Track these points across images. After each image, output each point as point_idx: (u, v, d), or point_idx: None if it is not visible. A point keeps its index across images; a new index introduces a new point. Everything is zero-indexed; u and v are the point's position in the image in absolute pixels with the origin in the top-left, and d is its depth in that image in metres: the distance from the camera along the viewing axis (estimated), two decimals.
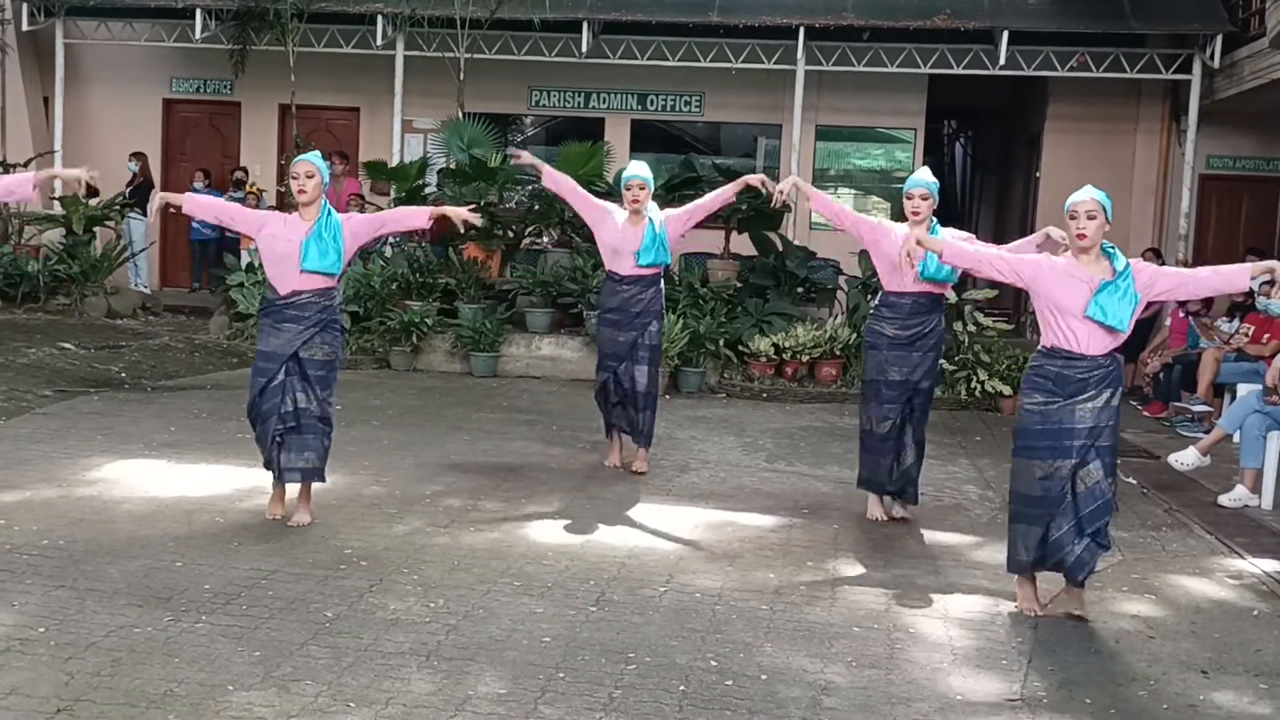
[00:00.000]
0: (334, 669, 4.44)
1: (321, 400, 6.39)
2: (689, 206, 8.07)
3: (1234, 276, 5.43)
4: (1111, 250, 5.31)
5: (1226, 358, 10.38)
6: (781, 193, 7.01)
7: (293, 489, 6.49)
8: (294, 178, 6.34)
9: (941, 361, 7.69)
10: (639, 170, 7.89)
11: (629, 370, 7.94)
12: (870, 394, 6.94)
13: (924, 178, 6.73)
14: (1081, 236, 5.24)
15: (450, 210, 6.81)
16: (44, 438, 8.05)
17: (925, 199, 6.61)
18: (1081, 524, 5.31)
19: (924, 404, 6.94)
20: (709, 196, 8.09)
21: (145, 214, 16.08)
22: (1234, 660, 5.11)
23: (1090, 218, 5.22)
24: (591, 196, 8.18)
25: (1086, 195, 5.29)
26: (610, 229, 7.87)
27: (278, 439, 6.33)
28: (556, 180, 8.14)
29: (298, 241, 6.23)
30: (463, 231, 7.02)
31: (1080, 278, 5.24)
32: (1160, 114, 15.82)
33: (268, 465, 6.47)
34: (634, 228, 7.77)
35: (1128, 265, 5.26)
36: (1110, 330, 5.24)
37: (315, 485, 6.53)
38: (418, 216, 6.93)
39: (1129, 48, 14.64)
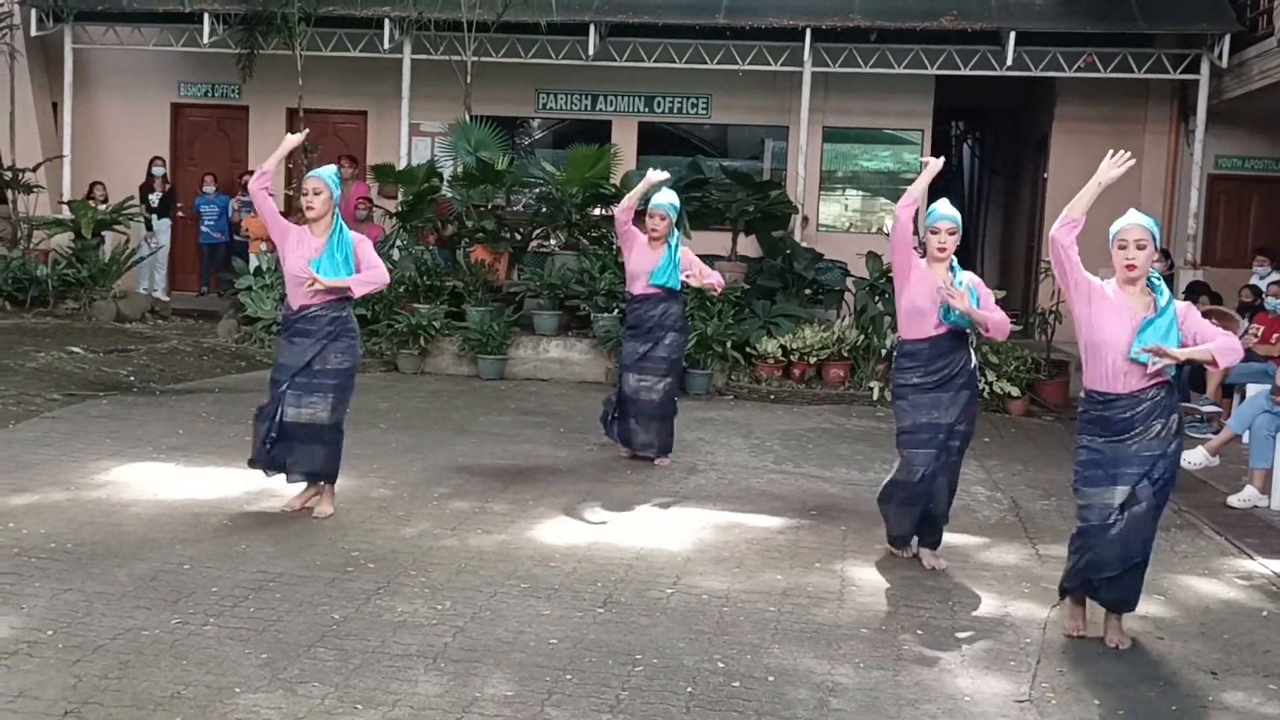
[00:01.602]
0: (341, 671, 4.45)
1: (334, 409, 6.53)
2: (696, 263, 8.37)
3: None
4: (1157, 283, 5.00)
5: None
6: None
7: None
8: (303, 194, 6.44)
9: None
10: (664, 199, 8.20)
11: (640, 380, 8.24)
12: (902, 444, 6.27)
13: (949, 211, 6.18)
14: (1131, 267, 4.92)
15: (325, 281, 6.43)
16: (53, 441, 8.07)
17: (953, 233, 6.10)
18: (1125, 555, 5.02)
19: (961, 446, 6.26)
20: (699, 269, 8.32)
21: (168, 218, 16.33)
22: (1243, 661, 5.09)
23: (1140, 247, 4.90)
24: (632, 225, 8.32)
25: (1134, 222, 4.98)
26: (636, 254, 8.25)
27: (267, 444, 6.48)
28: (624, 217, 8.33)
29: (308, 260, 6.36)
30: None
31: (1124, 312, 4.94)
32: (1168, 114, 15.76)
33: (252, 463, 6.59)
34: (653, 252, 8.19)
35: (1170, 300, 4.95)
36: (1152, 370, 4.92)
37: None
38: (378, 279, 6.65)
39: (1136, 48, 14.60)
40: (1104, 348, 4.94)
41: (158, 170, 16.38)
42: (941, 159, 6.36)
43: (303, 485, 6.69)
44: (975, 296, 6.05)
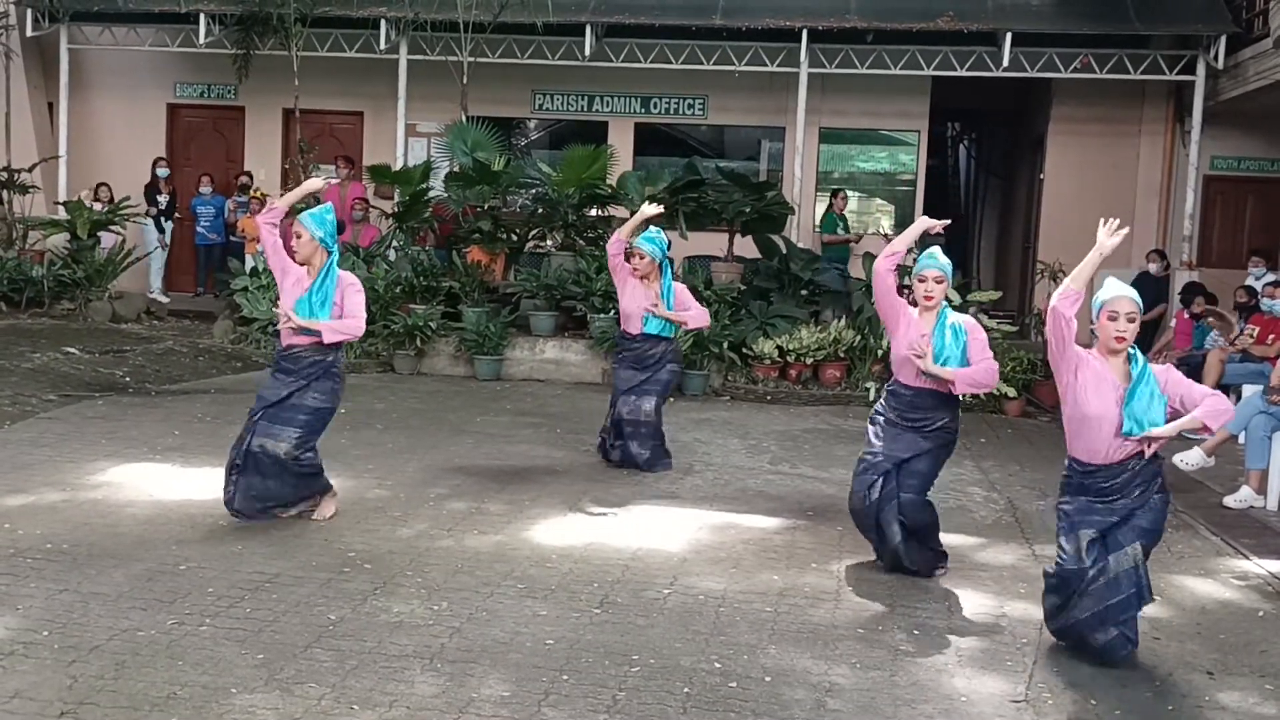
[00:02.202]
0: (338, 671, 4.44)
1: (298, 443, 6.36)
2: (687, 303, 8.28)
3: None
4: (1133, 352, 5.00)
5: (1231, 359, 10.36)
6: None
7: None
8: (294, 234, 6.42)
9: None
10: (644, 239, 8.17)
11: (637, 402, 8.20)
12: (856, 469, 6.27)
13: (936, 259, 6.09)
14: (1121, 340, 4.93)
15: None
16: (49, 442, 8.06)
17: (940, 282, 6.02)
18: (1107, 613, 4.90)
19: (915, 486, 6.06)
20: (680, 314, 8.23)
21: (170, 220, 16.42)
22: (1239, 661, 5.10)
23: (1130, 320, 4.92)
24: (620, 260, 8.32)
25: (1124, 293, 4.96)
26: (627, 294, 8.23)
27: (233, 472, 6.41)
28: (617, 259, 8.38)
29: (292, 302, 6.34)
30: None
31: (1107, 380, 4.94)
32: (1164, 115, 15.79)
33: (227, 504, 6.45)
34: (646, 290, 8.14)
35: (1145, 365, 4.96)
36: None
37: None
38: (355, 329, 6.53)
39: (1133, 49, 14.62)
40: (1092, 420, 4.94)
41: (162, 171, 16.39)
42: (930, 221, 6.25)
43: None
44: (963, 342, 5.94)
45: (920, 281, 6.06)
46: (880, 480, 6.04)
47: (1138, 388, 4.89)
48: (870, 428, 6.23)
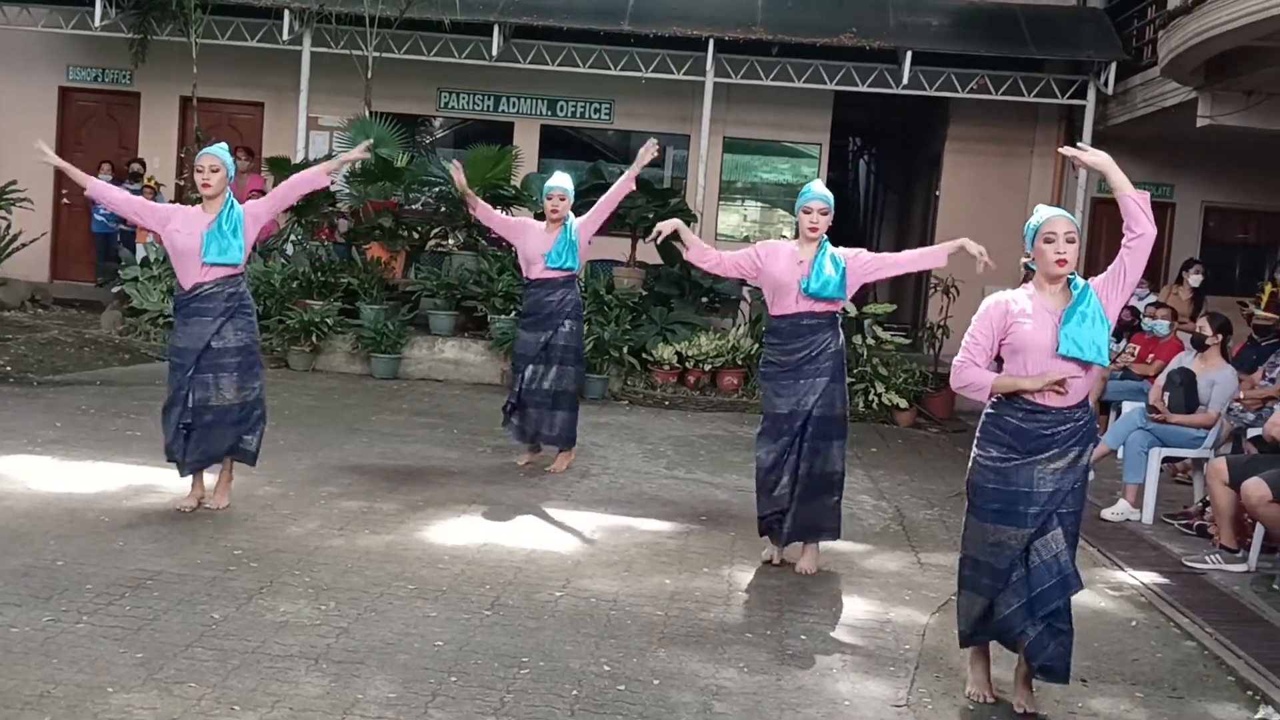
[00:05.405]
0: (219, 671, 4.36)
1: (244, 388, 6.46)
2: (594, 208, 8.11)
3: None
4: (1075, 278, 4.58)
5: (1112, 376, 10.68)
6: (659, 233, 6.52)
7: (212, 478, 6.64)
8: (198, 171, 6.36)
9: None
10: (560, 181, 8.12)
11: (538, 371, 8.08)
12: (761, 428, 6.34)
13: (820, 190, 6.24)
14: (1062, 263, 4.49)
15: (345, 158, 6.96)
16: None
17: (825, 214, 6.14)
18: (1033, 604, 4.49)
19: (822, 432, 6.16)
20: (609, 193, 8.08)
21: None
22: (1111, 669, 5.26)
23: (1070, 241, 4.51)
24: (509, 217, 8.32)
25: (1061, 214, 4.61)
26: (528, 240, 8.11)
27: (183, 430, 6.37)
28: (484, 212, 8.47)
29: (199, 235, 6.30)
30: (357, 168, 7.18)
31: (1046, 309, 4.52)
32: (1055, 138, 16.22)
33: (169, 455, 6.46)
34: (549, 235, 8.03)
35: (1087, 286, 4.54)
36: (1085, 366, 4.48)
37: (237, 478, 6.75)
38: (316, 178, 6.74)
39: (1027, 72, 15.03)
40: (1024, 352, 4.51)
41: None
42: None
43: (190, 484, 6.56)
44: (841, 267, 6.11)
45: (805, 213, 6.18)
46: (790, 440, 6.17)
47: (1075, 308, 4.48)
48: (764, 384, 6.33)
